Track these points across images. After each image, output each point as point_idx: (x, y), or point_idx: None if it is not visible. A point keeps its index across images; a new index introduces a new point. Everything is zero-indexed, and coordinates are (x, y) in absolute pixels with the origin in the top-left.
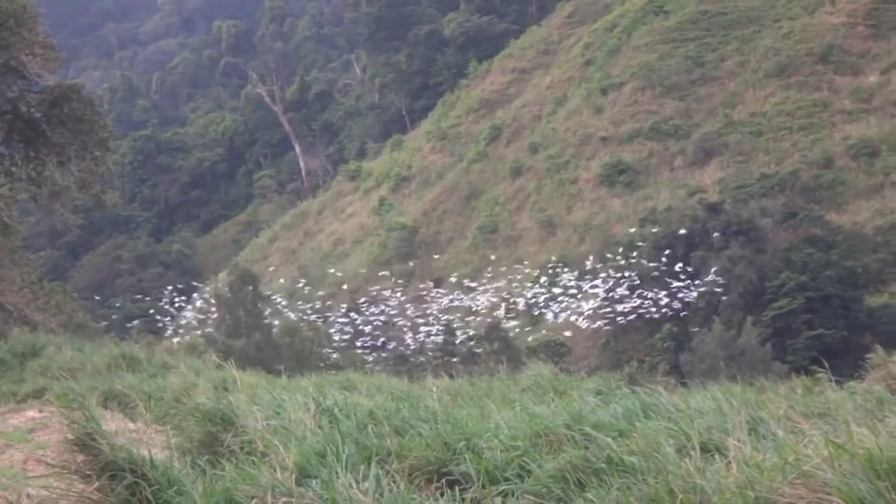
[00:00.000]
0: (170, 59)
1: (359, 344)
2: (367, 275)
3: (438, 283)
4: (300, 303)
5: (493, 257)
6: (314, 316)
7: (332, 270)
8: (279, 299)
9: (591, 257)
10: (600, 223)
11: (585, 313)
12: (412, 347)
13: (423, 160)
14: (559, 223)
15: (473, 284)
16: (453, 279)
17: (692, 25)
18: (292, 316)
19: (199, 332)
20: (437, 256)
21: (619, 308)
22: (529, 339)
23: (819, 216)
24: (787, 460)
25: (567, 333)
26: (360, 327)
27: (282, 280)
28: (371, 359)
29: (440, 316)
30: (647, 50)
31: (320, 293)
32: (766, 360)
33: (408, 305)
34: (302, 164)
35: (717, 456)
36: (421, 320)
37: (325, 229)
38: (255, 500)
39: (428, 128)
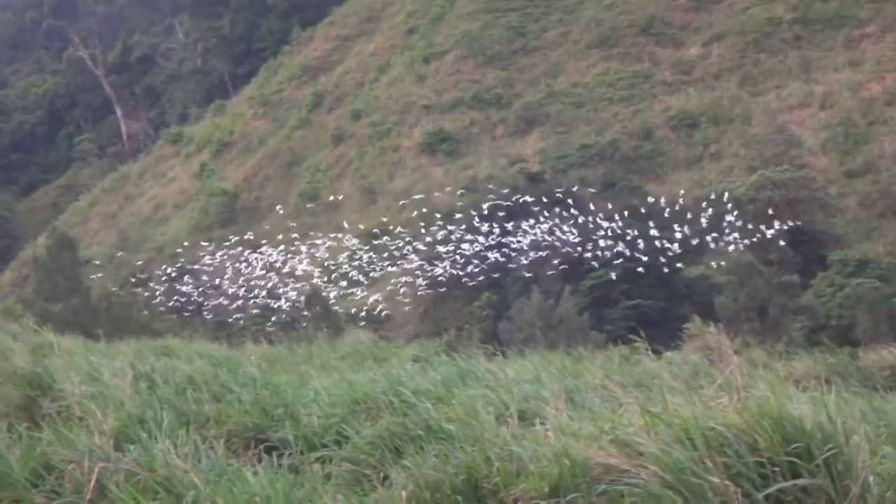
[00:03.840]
0: None
1: (178, 309)
2: (187, 240)
3: (259, 249)
4: (119, 267)
5: (314, 224)
6: (133, 280)
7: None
8: (98, 263)
9: (411, 225)
10: (421, 191)
11: (405, 281)
12: (232, 313)
13: (245, 126)
14: (380, 191)
15: (294, 251)
16: (274, 245)
17: None
18: (111, 280)
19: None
20: (258, 222)
21: (439, 276)
22: (350, 306)
23: (638, 187)
24: (603, 429)
25: (387, 301)
26: (180, 292)
27: (101, 244)
28: (190, 324)
29: (260, 282)
30: (470, 19)
31: (140, 258)
32: (584, 329)
33: (228, 271)
34: (123, 128)
35: (534, 424)
36: (241, 286)
37: (145, 194)
38: (72, 465)
39: (250, 94)
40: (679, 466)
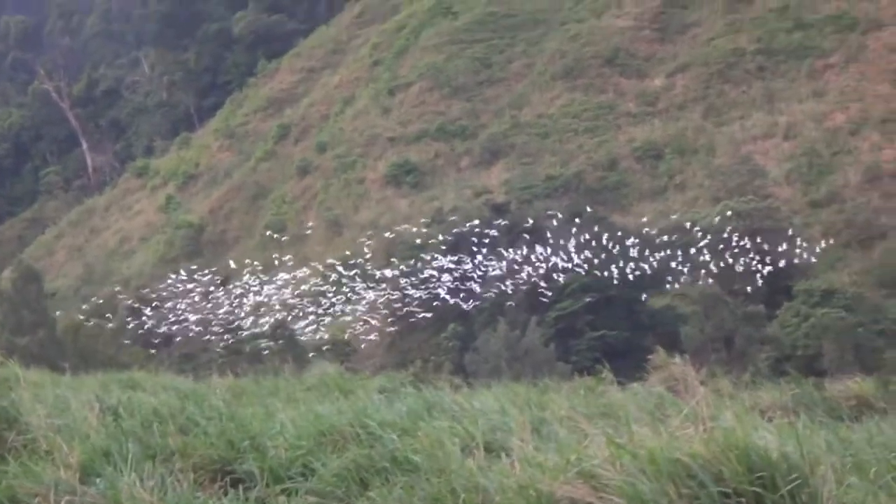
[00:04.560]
0: None
1: (144, 342)
2: (153, 273)
3: (225, 282)
4: (85, 300)
5: (280, 256)
6: (99, 313)
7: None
8: (64, 296)
9: (377, 257)
10: (387, 223)
11: (371, 313)
12: (198, 346)
13: (211, 158)
14: (346, 223)
15: (260, 283)
16: (240, 278)
17: (480, 27)
18: (77, 313)
19: None
20: (224, 255)
21: (405, 307)
22: (316, 337)
23: (603, 217)
24: (569, 460)
25: (353, 332)
26: (146, 325)
27: (67, 277)
28: (156, 357)
29: (226, 314)
30: (435, 51)
31: (106, 291)
32: (550, 360)
33: (194, 304)
34: (89, 161)
35: (500, 455)
36: (207, 319)
37: (111, 227)
38: (38, 499)
39: (216, 126)
40: (644, 498)
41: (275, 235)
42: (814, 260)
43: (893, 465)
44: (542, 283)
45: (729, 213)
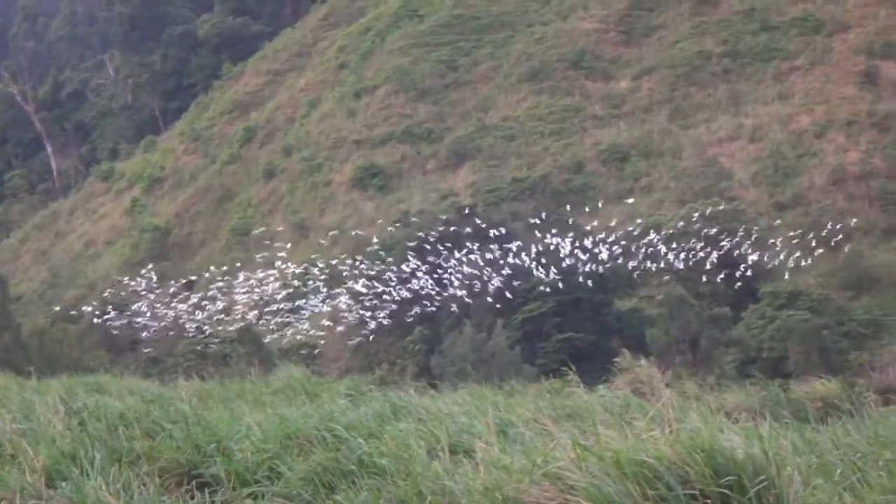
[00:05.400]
0: None
1: (109, 346)
2: (118, 276)
3: (191, 285)
4: (50, 304)
5: (246, 259)
6: (64, 317)
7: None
8: (29, 301)
9: (343, 260)
10: (353, 226)
11: (337, 316)
12: (164, 349)
13: (177, 161)
14: (312, 226)
15: (225, 286)
16: (206, 281)
17: (446, 30)
18: (42, 317)
19: None
20: (189, 258)
21: (371, 311)
22: (282, 341)
23: (569, 220)
24: (535, 462)
25: (319, 336)
26: (111, 329)
27: (32, 281)
28: (122, 361)
29: (192, 318)
30: (401, 54)
31: (71, 294)
32: (517, 363)
33: (160, 307)
34: (54, 164)
35: (465, 458)
36: (173, 322)
37: (76, 230)
38: (3, 503)
39: (181, 129)
40: (611, 500)
41: (241, 238)
42: (779, 262)
43: (859, 466)
44: (509, 286)
45: (695, 215)
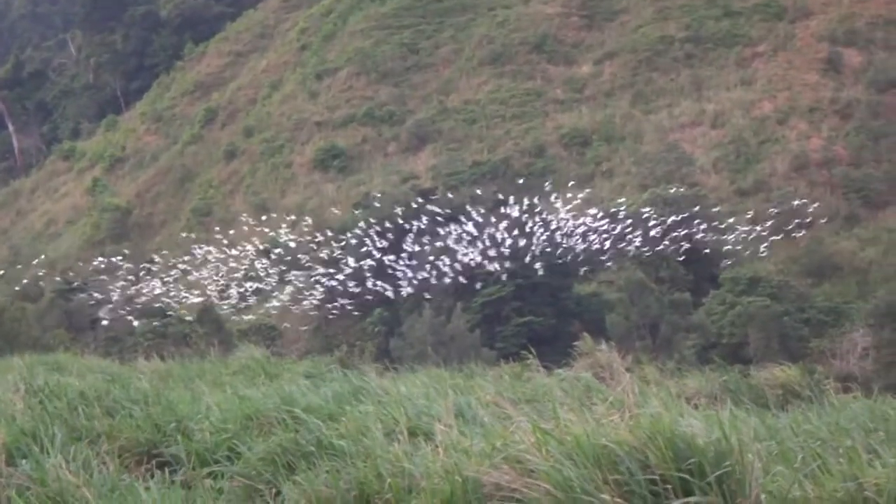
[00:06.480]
0: None
1: (69, 325)
2: (79, 255)
3: (151, 265)
4: (10, 282)
5: (206, 240)
6: (25, 296)
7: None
8: None
9: (303, 241)
10: (314, 207)
11: (297, 297)
12: (124, 329)
13: (138, 141)
14: (273, 207)
15: (186, 266)
16: (166, 261)
17: (407, 12)
18: (1, 295)
19: None
20: (150, 238)
21: (330, 292)
22: (242, 321)
23: (530, 204)
24: (494, 445)
25: (279, 317)
26: (71, 308)
27: None
28: (82, 340)
29: (152, 297)
30: (363, 36)
31: (31, 273)
32: (476, 346)
33: (120, 286)
34: (15, 143)
35: (424, 440)
36: (132, 302)
37: (37, 209)
38: None
39: (143, 109)
40: (570, 484)
41: (202, 219)
42: (740, 248)
43: (818, 453)
44: (468, 269)
45: (656, 200)
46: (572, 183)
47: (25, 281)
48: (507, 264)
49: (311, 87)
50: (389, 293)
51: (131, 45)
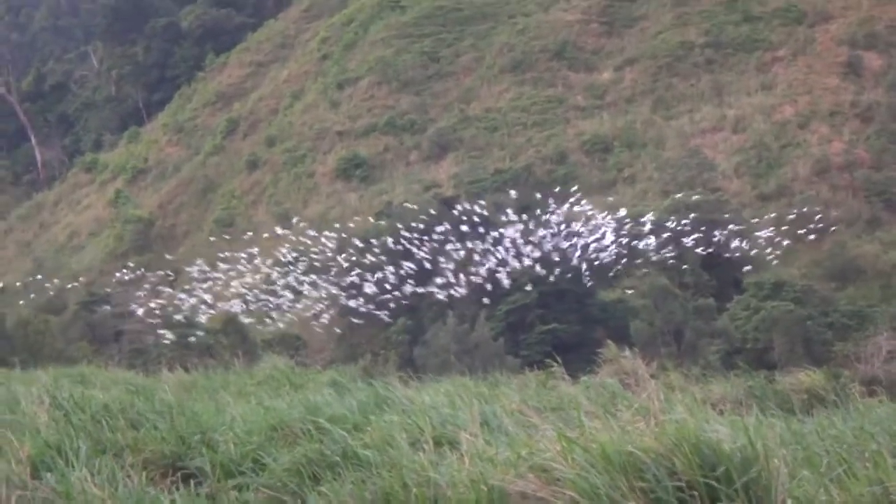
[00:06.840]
0: None
1: (93, 337)
2: (102, 267)
3: (175, 276)
4: (34, 295)
5: (229, 250)
6: (49, 309)
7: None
8: (13, 292)
9: (326, 251)
10: (336, 217)
11: (321, 307)
12: (148, 340)
13: (160, 153)
14: (296, 217)
15: (210, 277)
16: (189, 272)
17: (428, 21)
18: (26, 308)
19: None
20: (173, 249)
21: (355, 302)
22: (266, 331)
23: (552, 211)
24: (520, 454)
25: (303, 327)
26: (95, 320)
27: (16, 272)
28: (106, 352)
29: (176, 309)
30: (384, 45)
31: (55, 285)
32: (500, 354)
33: (143, 298)
34: (38, 156)
35: (450, 450)
36: (157, 313)
37: (60, 221)
38: None
39: (164, 120)
40: (596, 492)
41: (224, 230)
42: (763, 253)
43: (844, 458)
44: (492, 277)
45: (678, 206)
46: (594, 189)
47: (49, 293)
48: (531, 272)
49: (333, 97)
50: (412, 302)
51: (153, 57)
